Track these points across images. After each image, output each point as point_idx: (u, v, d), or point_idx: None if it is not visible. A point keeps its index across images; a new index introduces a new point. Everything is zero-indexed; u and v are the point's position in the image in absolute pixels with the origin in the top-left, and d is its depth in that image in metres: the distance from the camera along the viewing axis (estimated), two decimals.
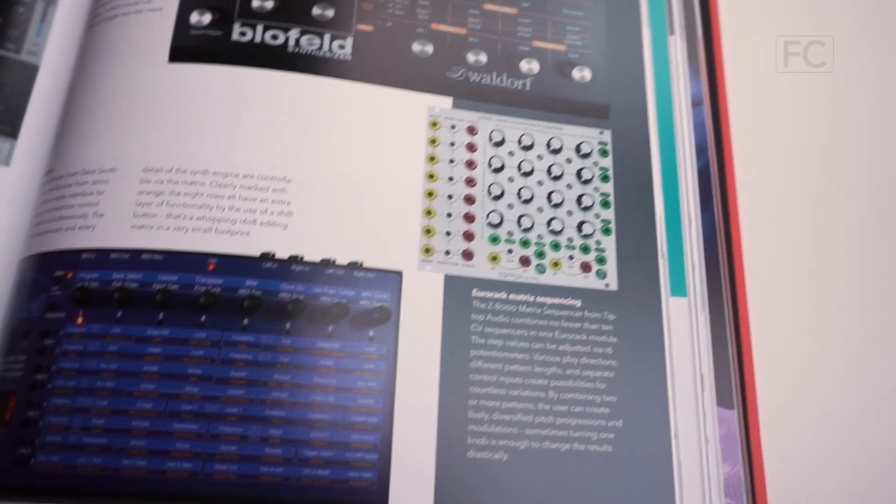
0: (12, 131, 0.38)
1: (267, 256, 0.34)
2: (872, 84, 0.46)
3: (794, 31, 0.46)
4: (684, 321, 0.37)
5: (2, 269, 0.36)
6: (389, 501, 0.31)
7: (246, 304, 0.33)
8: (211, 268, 0.33)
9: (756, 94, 0.44)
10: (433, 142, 0.38)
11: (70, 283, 0.33)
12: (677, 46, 0.43)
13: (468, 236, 0.36)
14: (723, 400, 0.36)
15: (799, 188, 0.43)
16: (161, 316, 0.33)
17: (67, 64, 0.40)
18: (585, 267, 0.37)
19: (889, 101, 0.46)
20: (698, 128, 0.41)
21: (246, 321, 0.33)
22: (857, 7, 0.48)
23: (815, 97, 0.45)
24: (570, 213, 0.38)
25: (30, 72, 0.39)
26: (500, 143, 0.38)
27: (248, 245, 0.34)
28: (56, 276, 0.34)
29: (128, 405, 0.31)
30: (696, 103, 0.42)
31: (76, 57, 0.39)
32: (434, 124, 0.38)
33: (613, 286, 0.37)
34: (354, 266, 0.35)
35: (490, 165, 0.38)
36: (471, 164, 0.38)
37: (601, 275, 0.37)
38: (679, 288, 0.37)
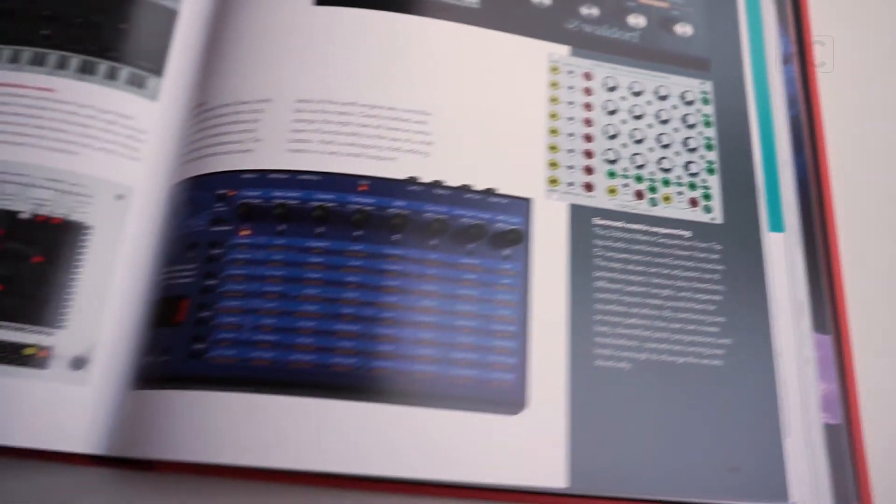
0: (157, 69, 0.41)
1: (412, 180, 0.37)
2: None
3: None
4: (781, 255, 0.40)
5: (151, 195, 0.39)
6: (528, 399, 0.35)
7: (395, 222, 0.36)
8: (362, 188, 0.37)
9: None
10: (554, 85, 0.41)
11: (233, 200, 0.36)
12: (768, 7, 0.46)
13: (588, 170, 0.40)
14: (819, 326, 0.39)
15: (878, 145, 0.46)
16: (320, 229, 0.36)
17: (206, 6, 0.43)
18: (693, 202, 0.40)
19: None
20: (789, 82, 0.44)
21: (395, 237, 0.36)
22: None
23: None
24: (677, 153, 0.41)
25: (169, 15, 0.43)
26: (613, 89, 0.42)
27: (395, 169, 0.37)
28: (219, 194, 0.37)
29: (294, 307, 0.34)
30: (786, 59, 0.45)
31: (216, 1, 0.43)
32: (554, 69, 0.41)
33: (719, 220, 0.40)
34: (489, 192, 0.38)
35: (605, 108, 0.41)
36: (588, 107, 0.41)
37: (707, 209, 0.40)
38: (777, 224, 0.41)
